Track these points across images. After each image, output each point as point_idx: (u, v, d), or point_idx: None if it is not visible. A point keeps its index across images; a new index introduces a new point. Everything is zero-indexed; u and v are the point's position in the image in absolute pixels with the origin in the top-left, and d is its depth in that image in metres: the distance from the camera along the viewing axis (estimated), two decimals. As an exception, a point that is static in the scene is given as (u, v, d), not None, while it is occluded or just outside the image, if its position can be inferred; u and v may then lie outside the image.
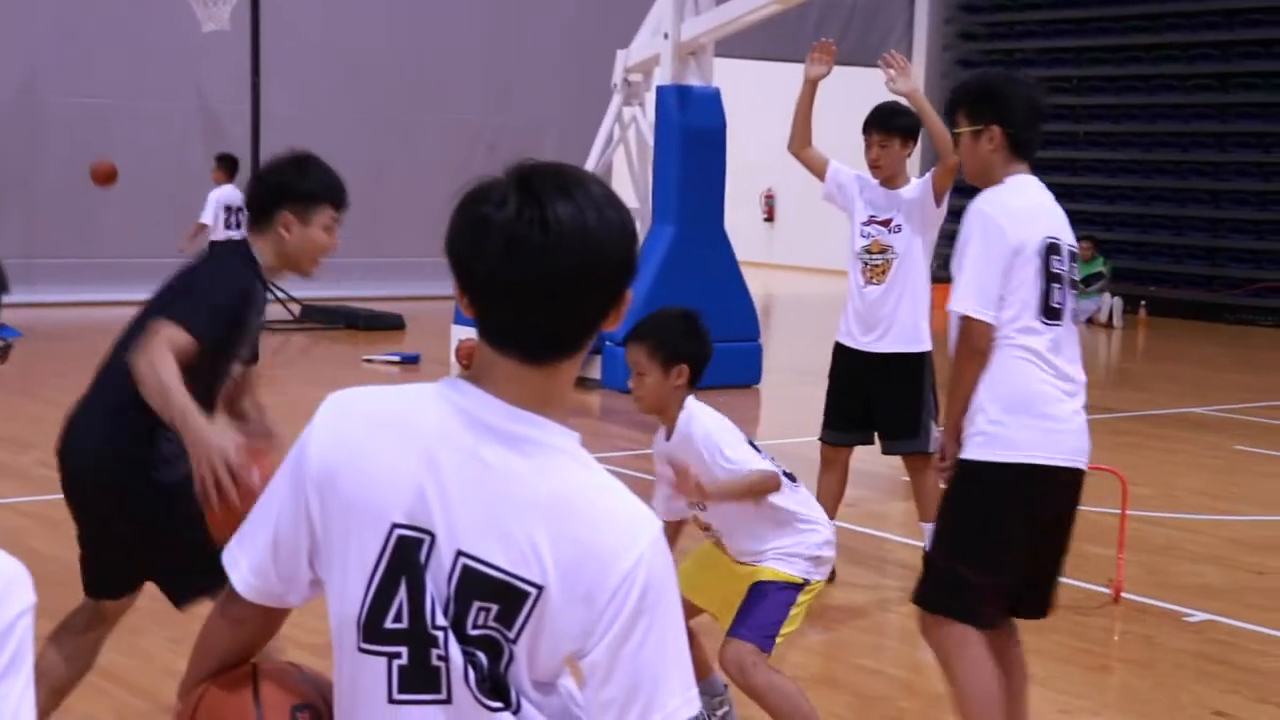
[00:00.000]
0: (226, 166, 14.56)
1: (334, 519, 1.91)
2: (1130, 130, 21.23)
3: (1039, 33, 22.22)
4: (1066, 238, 4.27)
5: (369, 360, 13.25)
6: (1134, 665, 5.84)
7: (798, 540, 4.33)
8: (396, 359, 13.20)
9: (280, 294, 15.45)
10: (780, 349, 14.78)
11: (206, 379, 3.92)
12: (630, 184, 13.90)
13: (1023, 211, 4.16)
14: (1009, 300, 4.10)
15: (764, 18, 12.50)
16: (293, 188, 4.02)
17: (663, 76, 12.40)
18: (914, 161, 7.11)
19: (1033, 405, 4.08)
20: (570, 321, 1.88)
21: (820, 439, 6.81)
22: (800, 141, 6.77)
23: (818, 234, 20.85)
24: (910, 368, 6.62)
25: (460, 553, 1.84)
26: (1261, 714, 5.32)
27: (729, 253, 12.29)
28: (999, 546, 4.10)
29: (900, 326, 6.61)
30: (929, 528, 6.62)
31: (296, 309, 15.67)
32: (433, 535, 1.85)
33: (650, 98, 12.81)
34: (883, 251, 6.61)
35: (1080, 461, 4.19)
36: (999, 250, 4.08)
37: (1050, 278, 4.15)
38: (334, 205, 4.07)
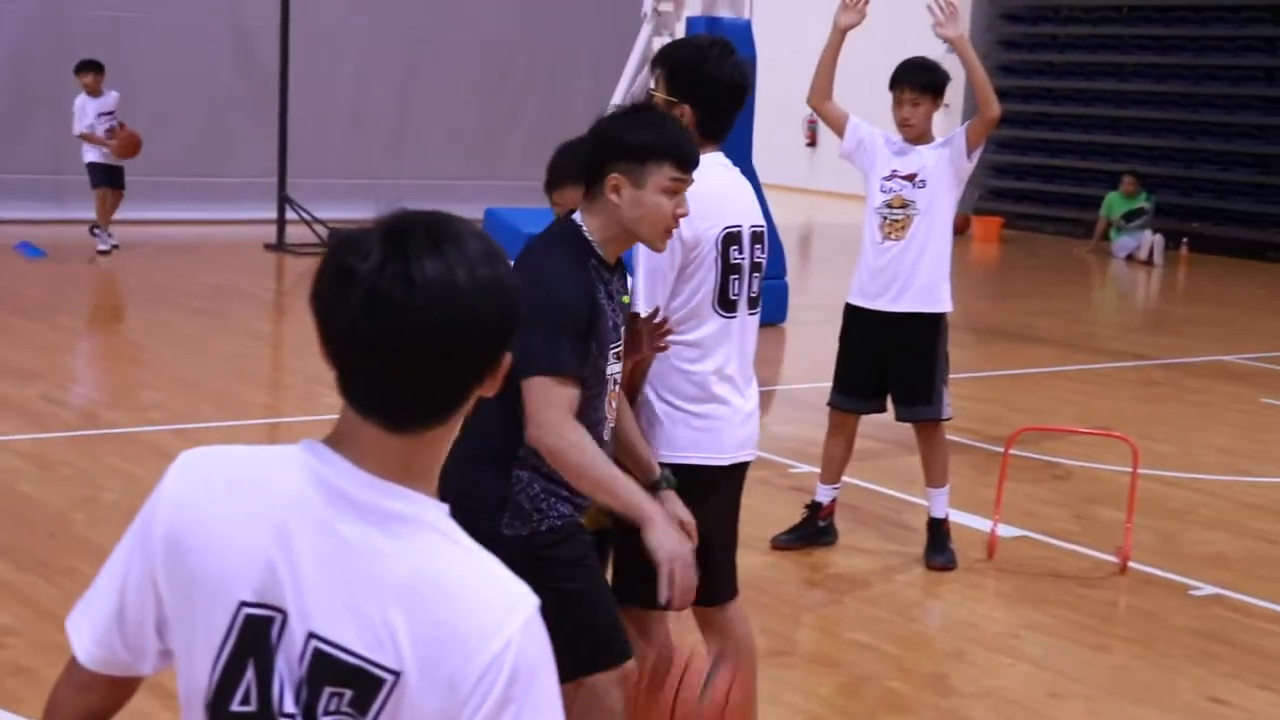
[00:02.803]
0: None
1: (180, 591, 1.79)
2: (1179, 63, 20.78)
3: (1089, -39, 21.74)
4: (750, 220, 4.01)
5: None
6: (1134, 644, 5.71)
7: None
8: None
9: (306, 216, 15.34)
10: (817, 281, 14.61)
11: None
12: (659, 114, 13.66)
13: (698, 202, 3.79)
14: (680, 293, 3.89)
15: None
16: (621, 141, 3.47)
17: (693, 7, 12.16)
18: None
19: (693, 402, 3.92)
20: (435, 388, 1.74)
21: (829, 403, 6.64)
22: (821, 94, 6.43)
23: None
24: (927, 329, 6.42)
25: (312, 634, 1.72)
26: (1261, 700, 5.19)
27: (757, 187, 12.05)
28: None
29: (919, 285, 6.40)
30: (935, 493, 6.51)
31: (324, 232, 15.55)
32: (284, 614, 1.73)
33: (680, 28, 12.57)
34: (904, 206, 6.40)
35: (744, 455, 4.03)
36: (672, 250, 3.82)
37: (728, 269, 3.93)
38: (675, 164, 3.44)
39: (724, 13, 12.16)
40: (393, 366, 1.71)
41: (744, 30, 12.12)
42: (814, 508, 6.67)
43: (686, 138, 3.51)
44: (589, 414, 3.46)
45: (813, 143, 26.90)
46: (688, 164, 3.47)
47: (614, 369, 3.54)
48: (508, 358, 1.78)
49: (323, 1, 17.13)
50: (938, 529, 6.52)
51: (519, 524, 3.45)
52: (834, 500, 6.67)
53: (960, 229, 21.39)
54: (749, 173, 12.27)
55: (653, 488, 3.65)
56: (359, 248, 1.72)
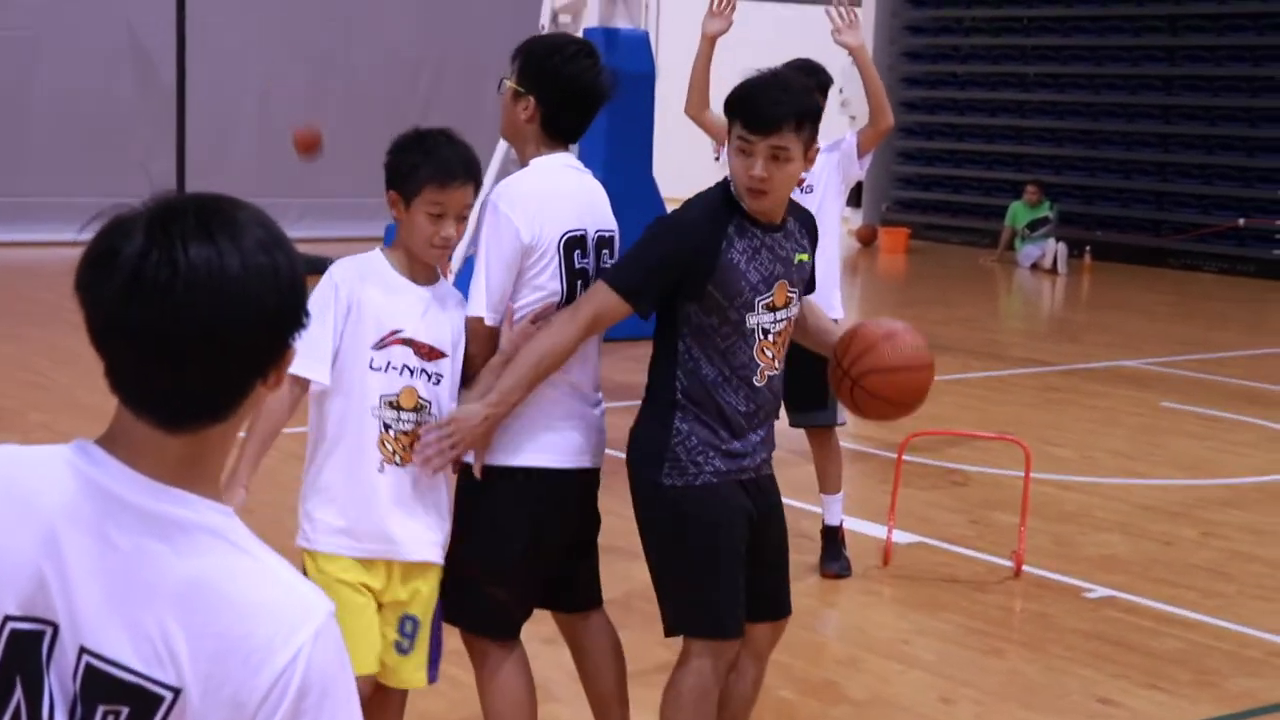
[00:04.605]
0: None
1: None
2: (1079, 72, 21.02)
3: (990, -29, 21.94)
4: (597, 224, 3.88)
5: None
6: (1026, 648, 5.70)
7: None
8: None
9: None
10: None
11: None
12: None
13: (539, 203, 3.74)
14: (524, 296, 3.76)
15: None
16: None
17: (590, 18, 12.13)
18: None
19: (537, 406, 3.75)
20: (207, 383, 1.62)
21: (720, 411, 6.59)
22: (698, 104, 6.27)
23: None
24: None
25: (84, 650, 1.62)
26: (1146, 700, 5.19)
27: (657, 200, 12.02)
28: (511, 555, 3.78)
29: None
30: (830, 500, 6.48)
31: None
32: (55, 628, 1.63)
33: (579, 40, 12.54)
34: (793, 212, 6.38)
35: (587, 460, 3.87)
36: (510, 250, 3.72)
37: (573, 274, 3.81)
38: (742, 122, 3.70)
39: (621, 24, 12.11)
40: (159, 358, 1.60)
41: (641, 41, 12.11)
42: (709, 518, 6.61)
43: (762, 98, 3.66)
44: (730, 359, 3.68)
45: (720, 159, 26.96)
46: (749, 123, 3.64)
47: (758, 319, 3.71)
48: (291, 350, 1.68)
49: (223, 20, 16.92)
50: (832, 536, 6.48)
51: (676, 475, 3.66)
52: (729, 510, 6.62)
53: (867, 240, 21.51)
54: (649, 189, 12.27)
55: None
56: (124, 230, 1.61)
